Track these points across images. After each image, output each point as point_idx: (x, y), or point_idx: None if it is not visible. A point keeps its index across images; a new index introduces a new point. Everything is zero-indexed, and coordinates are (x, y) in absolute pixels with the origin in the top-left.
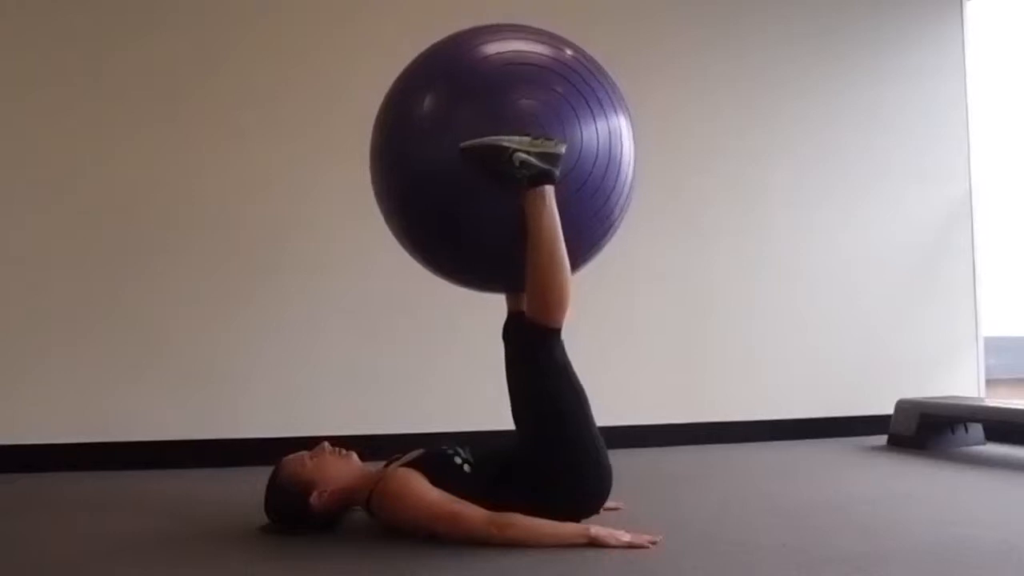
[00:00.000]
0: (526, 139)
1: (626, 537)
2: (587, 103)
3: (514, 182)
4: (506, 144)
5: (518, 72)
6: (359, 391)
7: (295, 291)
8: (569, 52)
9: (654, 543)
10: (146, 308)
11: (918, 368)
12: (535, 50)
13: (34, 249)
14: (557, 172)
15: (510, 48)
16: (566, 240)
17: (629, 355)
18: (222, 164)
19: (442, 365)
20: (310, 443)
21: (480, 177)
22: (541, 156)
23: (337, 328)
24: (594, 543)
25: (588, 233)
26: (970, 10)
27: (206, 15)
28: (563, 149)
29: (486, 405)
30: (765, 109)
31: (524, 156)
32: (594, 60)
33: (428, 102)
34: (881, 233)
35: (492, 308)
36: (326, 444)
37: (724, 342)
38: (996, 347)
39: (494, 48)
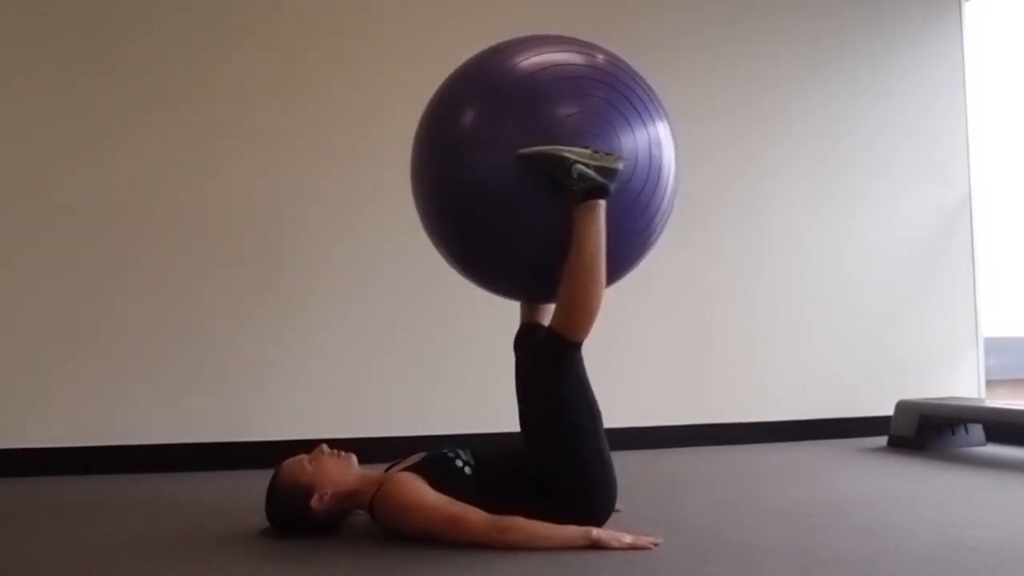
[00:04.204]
0: (586, 151)
1: (628, 539)
2: (632, 106)
3: (568, 193)
4: (566, 155)
5: (558, 84)
6: (360, 393)
7: (297, 294)
8: (602, 57)
9: (656, 544)
10: (146, 311)
11: (918, 368)
12: (570, 60)
13: (32, 252)
14: (613, 187)
15: (547, 60)
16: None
17: (628, 356)
18: (224, 167)
19: (444, 368)
20: (310, 446)
21: (531, 188)
22: (599, 170)
23: (338, 331)
24: (596, 545)
25: (627, 250)
26: (968, 10)
27: (206, 16)
28: (622, 166)
29: (489, 408)
30: (765, 109)
31: (583, 169)
32: (628, 64)
33: (470, 118)
34: (881, 233)
35: (494, 312)
36: (324, 446)
37: (724, 343)
38: (996, 347)
39: (530, 61)
